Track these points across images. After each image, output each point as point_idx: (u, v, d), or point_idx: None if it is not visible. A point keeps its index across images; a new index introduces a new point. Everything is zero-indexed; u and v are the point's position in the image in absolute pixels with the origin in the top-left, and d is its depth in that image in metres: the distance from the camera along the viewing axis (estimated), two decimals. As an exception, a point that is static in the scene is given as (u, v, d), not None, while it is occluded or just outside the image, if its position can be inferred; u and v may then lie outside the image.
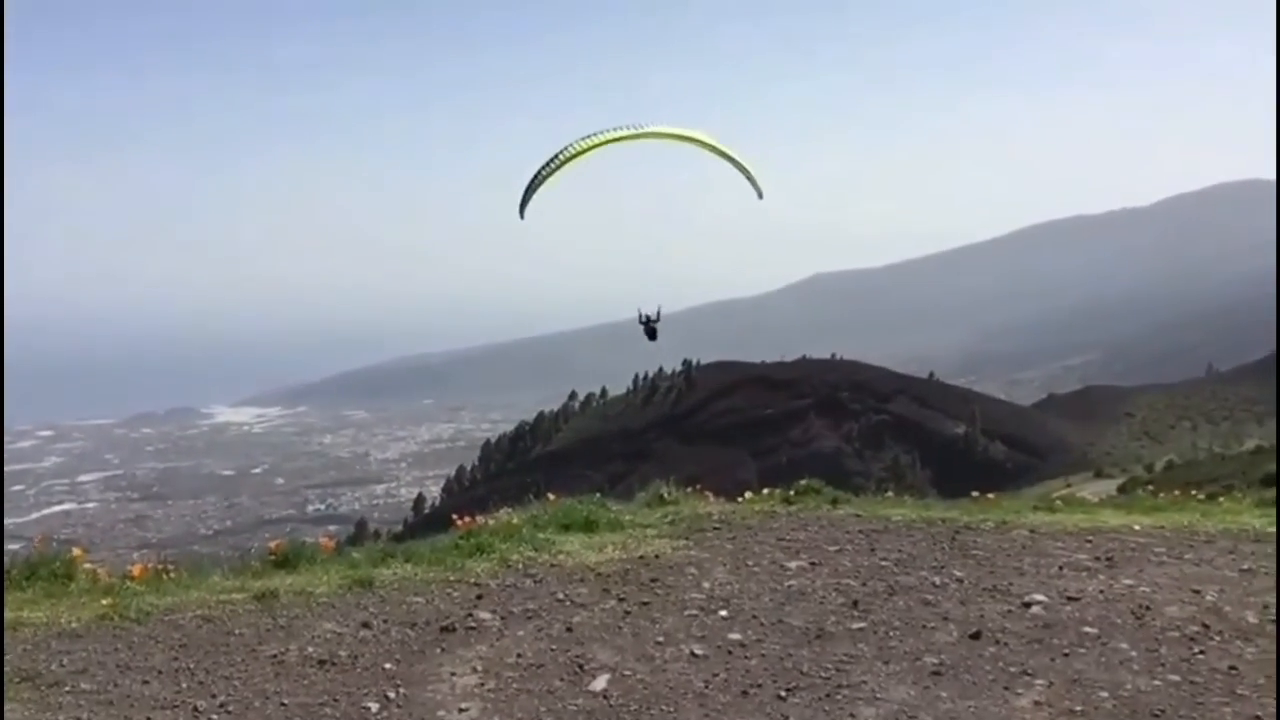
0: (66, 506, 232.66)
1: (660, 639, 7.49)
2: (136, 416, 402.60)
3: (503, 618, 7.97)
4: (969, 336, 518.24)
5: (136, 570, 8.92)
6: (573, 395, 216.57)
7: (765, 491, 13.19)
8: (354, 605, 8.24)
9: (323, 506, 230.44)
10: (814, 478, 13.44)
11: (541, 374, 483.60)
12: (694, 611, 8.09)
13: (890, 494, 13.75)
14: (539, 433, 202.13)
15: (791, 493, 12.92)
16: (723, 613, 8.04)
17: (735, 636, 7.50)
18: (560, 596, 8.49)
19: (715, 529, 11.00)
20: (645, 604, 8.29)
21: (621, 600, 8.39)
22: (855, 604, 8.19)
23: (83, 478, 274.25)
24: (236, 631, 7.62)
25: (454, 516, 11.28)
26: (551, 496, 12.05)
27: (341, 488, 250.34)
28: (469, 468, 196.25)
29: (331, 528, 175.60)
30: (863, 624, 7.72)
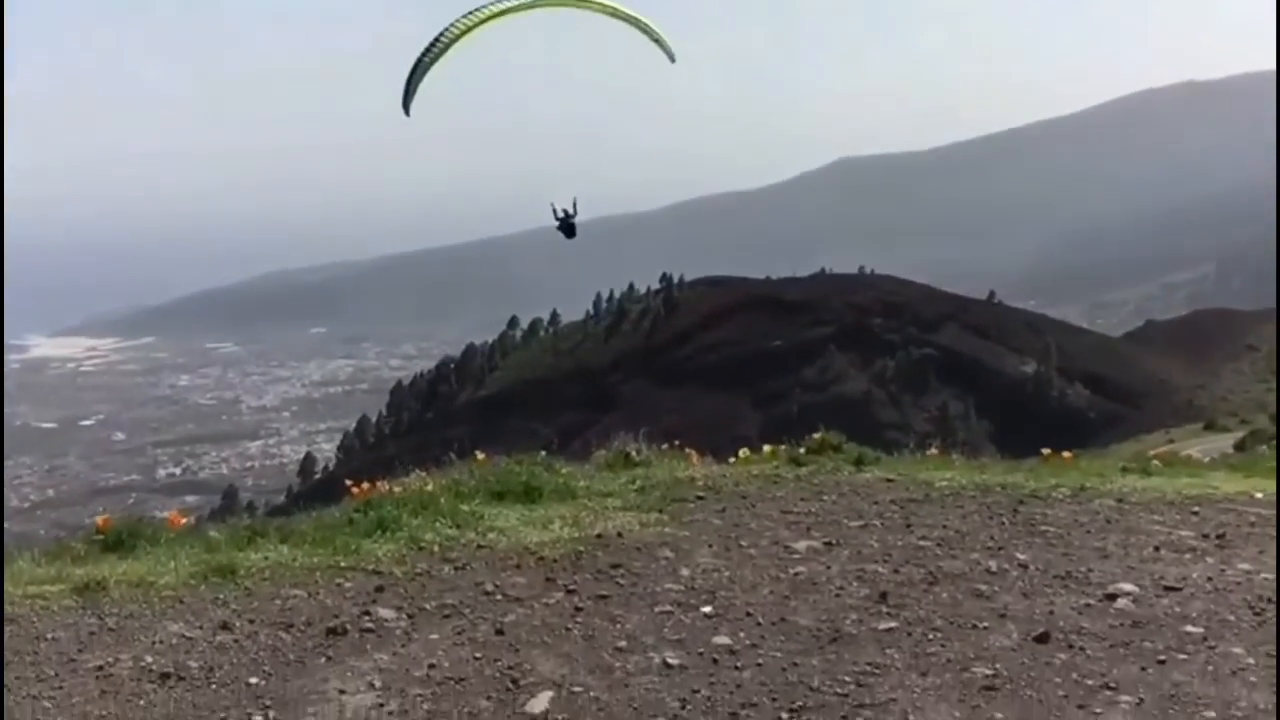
0: None
1: (622, 644, 7.49)
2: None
3: (410, 616, 7.94)
4: (1040, 244, 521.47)
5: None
6: (513, 322, 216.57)
7: (767, 449, 13.22)
8: (210, 601, 8.19)
9: (178, 470, 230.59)
10: (833, 431, 13.48)
11: (470, 293, 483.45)
12: (668, 607, 8.09)
13: (934, 452, 13.79)
14: (467, 372, 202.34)
15: (802, 451, 12.95)
16: (706, 609, 8.05)
17: (723, 641, 7.51)
18: (489, 588, 8.47)
19: (699, 499, 11.01)
20: (603, 598, 8.29)
21: (571, 593, 8.38)
22: (884, 597, 8.22)
23: None
24: (49, 636, 7.54)
25: (349, 483, 11.25)
26: (480, 456, 12.02)
27: (203, 445, 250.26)
28: (374, 419, 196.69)
29: (190, 499, 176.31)
30: (893, 623, 7.76)
